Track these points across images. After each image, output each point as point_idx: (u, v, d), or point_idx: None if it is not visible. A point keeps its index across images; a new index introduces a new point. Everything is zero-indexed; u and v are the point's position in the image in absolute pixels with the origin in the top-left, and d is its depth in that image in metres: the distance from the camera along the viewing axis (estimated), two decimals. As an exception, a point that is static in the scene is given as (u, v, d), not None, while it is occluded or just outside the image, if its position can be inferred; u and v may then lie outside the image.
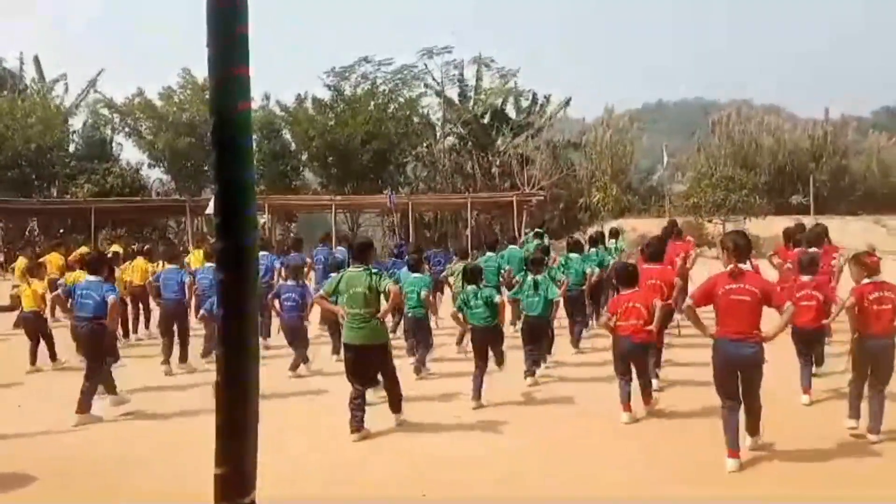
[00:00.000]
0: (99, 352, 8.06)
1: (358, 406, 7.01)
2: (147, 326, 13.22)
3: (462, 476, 5.91)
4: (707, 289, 6.10)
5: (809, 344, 8.10)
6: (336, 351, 10.28)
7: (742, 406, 5.97)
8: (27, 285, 10.93)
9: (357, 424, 6.96)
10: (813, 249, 9.64)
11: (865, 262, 6.73)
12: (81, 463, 6.44)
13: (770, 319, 5.99)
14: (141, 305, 13.26)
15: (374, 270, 7.23)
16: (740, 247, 6.06)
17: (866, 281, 6.66)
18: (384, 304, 7.26)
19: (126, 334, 12.82)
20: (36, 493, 5.76)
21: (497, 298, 8.27)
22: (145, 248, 17.47)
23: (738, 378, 5.94)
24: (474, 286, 8.33)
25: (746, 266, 6.09)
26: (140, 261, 13.52)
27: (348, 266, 8.04)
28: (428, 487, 5.62)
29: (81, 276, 11.43)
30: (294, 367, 9.75)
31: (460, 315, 8.37)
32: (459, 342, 10.82)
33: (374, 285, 7.05)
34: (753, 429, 6.17)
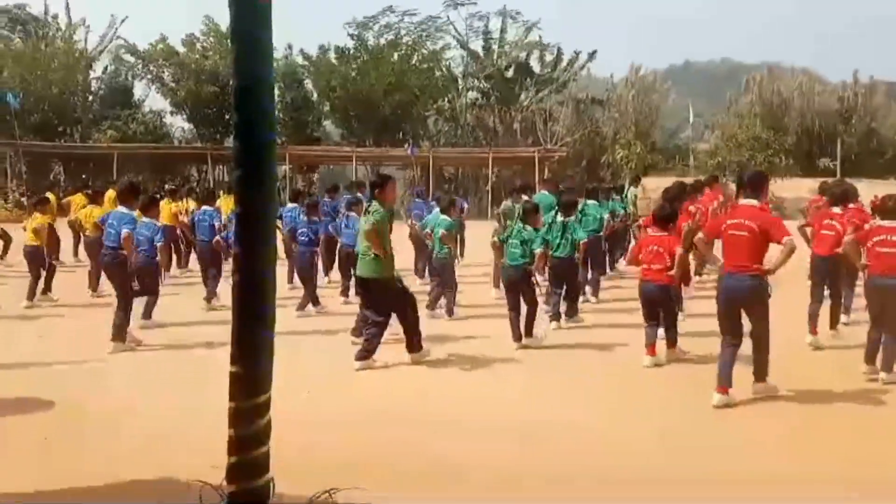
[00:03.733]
0: (122, 281, 8.11)
1: (366, 334, 7.39)
2: (179, 265, 13.77)
3: (475, 416, 5.91)
4: (715, 224, 6.80)
5: (822, 275, 8.29)
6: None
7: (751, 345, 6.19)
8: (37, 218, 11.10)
9: (361, 353, 7.29)
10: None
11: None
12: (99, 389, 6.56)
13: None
14: (172, 245, 13.42)
15: (375, 209, 7.38)
16: (744, 182, 6.42)
17: (881, 223, 6.93)
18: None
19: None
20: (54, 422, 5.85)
21: (536, 246, 8.15)
22: (171, 189, 17.80)
23: (739, 312, 6.21)
24: (522, 225, 8.30)
25: (751, 201, 6.21)
26: (166, 203, 13.65)
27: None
28: (436, 430, 5.64)
29: (96, 211, 11.60)
30: (301, 306, 9.94)
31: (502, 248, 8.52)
32: (497, 285, 10.80)
33: (369, 220, 7.32)
34: (759, 372, 6.24)
